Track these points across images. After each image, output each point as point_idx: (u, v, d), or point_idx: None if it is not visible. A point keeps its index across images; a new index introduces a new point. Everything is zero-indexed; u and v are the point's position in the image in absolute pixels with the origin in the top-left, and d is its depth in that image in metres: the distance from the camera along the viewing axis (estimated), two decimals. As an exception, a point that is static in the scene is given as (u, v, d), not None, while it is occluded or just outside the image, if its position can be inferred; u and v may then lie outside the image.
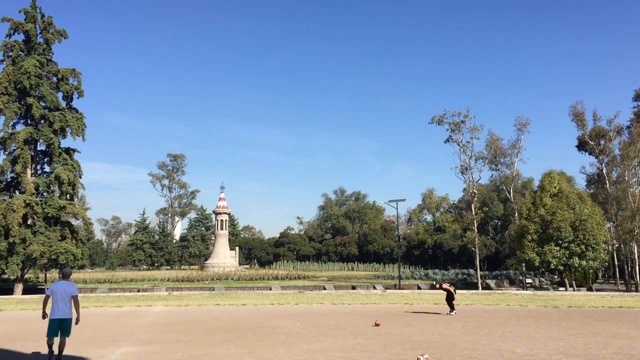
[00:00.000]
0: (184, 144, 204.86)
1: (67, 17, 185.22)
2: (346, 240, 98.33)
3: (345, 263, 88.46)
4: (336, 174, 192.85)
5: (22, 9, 39.05)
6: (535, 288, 48.46)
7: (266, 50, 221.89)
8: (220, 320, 16.98)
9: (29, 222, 36.99)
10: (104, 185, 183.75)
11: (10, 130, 37.40)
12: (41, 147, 39.15)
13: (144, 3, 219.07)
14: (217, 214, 70.85)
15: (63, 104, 39.52)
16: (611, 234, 52.04)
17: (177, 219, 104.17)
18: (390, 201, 47.64)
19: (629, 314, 18.80)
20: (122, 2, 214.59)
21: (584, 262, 37.92)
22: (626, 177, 48.51)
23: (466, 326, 15.18)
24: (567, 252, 37.81)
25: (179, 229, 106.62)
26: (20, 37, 39.19)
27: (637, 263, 46.78)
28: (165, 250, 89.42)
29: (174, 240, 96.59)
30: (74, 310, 10.06)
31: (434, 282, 20.72)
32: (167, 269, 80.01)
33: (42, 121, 38.19)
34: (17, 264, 34.82)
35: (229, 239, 75.89)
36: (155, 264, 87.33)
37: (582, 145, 53.17)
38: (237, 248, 75.00)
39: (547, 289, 46.64)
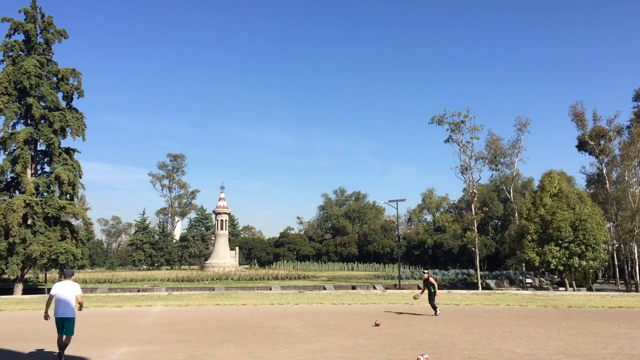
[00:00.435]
0: (184, 144, 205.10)
1: (67, 17, 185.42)
2: (346, 240, 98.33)
3: (345, 263, 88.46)
4: (336, 174, 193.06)
5: (22, 9, 39.07)
6: (535, 288, 48.47)
7: (266, 50, 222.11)
8: (220, 320, 16.98)
9: (29, 222, 37.00)
10: (104, 185, 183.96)
11: (10, 130, 37.41)
12: (41, 147, 39.17)
13: (143, 3, 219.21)
14: (217, 214, 70.85)
15: (63, 104, 39.53)
16: (611, 234, 52.03)
17: (177, 219, 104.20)
18: (390, 201, 47.65)
19: (629, 314, 18.79)
20: (122, 2, 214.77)
21: (584, 262, 37.91)
22: (626, 177, 48.51)
23: (466, 326, 15.18)
24: (567, 252, 37.80)
25: (179, 229, 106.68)
26: (20, 37, 39.24)
27: (637, 263, 46.78)
28: (165, 250, 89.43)
29: (174, 240, 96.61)
30: (78, 305, 10.26)
31: (424, 272, 19.49)
32: (167, 269, 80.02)
33: (42, 121, 38.19)
34: (17, 264, 34.83)
35: (229, 239, 75.88)
36: (155, 264, 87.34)
37: (582, 145, 53.18)
38: (237, 248, 75.00)
39: (547, 289, 46.65)
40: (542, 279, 55.72)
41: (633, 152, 46.41)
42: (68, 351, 11.32)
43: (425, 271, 19.63)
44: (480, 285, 45.55)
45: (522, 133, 50.88)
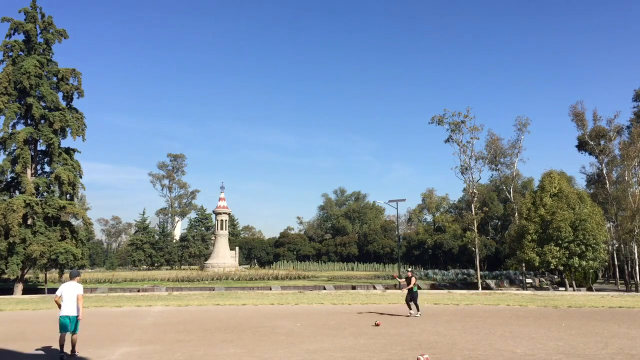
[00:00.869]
0: (184, 144, 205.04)
1: (67, 17, 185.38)
2: (346, 240, 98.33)
3: (345, 263, 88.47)
4: (336, 174, 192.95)
5: (22, 9, 39.05)
6: (535, 288, 48.48)
7: (266, 50, 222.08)
8: (220, 320, 16.98)
9: (29, 222, 36.99)
10: (104, 185, 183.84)
11: (10, 130, 37.39)
12: (41, 147, 39.15)
13: (144, 3, 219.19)
14: (217, 214, 70.85)
15: (63, 104, 39.51)
16: (611, 234, 52.03)
17: (177, 219, 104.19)
18: (390, 201, 47.70)
19: (629, 314, 18.79)
20: (123, 2, 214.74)
21: (584, 262, 37.89)
22: (626, 177, 48.51)
23: (466, 326, 15.18)
24: (567, 252, 37.78)
25: (179, 229, 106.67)
26: (20, 37, 39.22)
27: (637, 263, 46.78)
28: (165, 250, 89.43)
29: (174, 240, 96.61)
30: (79, 305, 10.87)
31: (408, 269, 19.48)
32: (167, 269, 80.00)
33: (42, 121, 38.18)
34: (17, 264, 34.82)
35: (229, 239, 75.87)
36: (155, 264, 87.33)
37: (582, 145, 53.18)
38: (237, 248, 74.99)
39: (547, 289, 46.66)
40: (542, 279, 55.71)
41: (633, 152, 46.41)
42: (67, 350, 11.34)
43: (409, 269, 19.29)
44: (480, 285, 45.55)
45: (522, 133, 50.89)
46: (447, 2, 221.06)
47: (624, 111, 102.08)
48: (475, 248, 47.16)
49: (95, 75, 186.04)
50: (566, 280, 43.88)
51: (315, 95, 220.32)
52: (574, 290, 40.77)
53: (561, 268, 39.89)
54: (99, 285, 42.93)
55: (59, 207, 36.74)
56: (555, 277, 54.90)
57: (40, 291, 38.14)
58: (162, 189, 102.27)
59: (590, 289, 45.42)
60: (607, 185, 50.41)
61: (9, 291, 36.35)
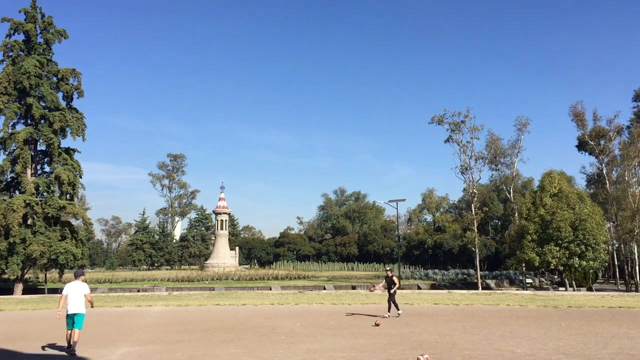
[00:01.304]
0: (184, 144, 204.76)
1: (67, 17, 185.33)
2: (346, 240, 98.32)
3: (345, 263, 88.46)
4: (336, 174, 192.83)
5: (22, 9, 39.07)
6: (535, 288, 48.49)
7: (267, 51, 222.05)
8: (220, 320, 16.98)
9: (29, 222, 37.00)
10: (104, 185, 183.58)
11: (10, 130, 37.41)
12: (41, 147, 39.17)
13: (144, 3, 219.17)
14: (217, 214, 70.86)
15: (63, 104, 39.53)
16: (611, 234, 52.02)
17: (177, 219, 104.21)
18: (390, 201, 47.65)
19: (629, 314, 18.79)
20: (123, 2, 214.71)
21: (584, 262, 37.88)
22: (626, 177, 48.50)
23: (466, 326, 15.18)
24: (567, 252, 37.78)
25: (179, 229, 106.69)
26: (20, 37, 39.24)
27: (637, 263, 46.77)
28: (165, 250, 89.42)
29: (174, 240, 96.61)
30: (86, 304, 11.51)
31: (387, 269, 18.70)
32: (167, 269, 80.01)
33: (42, 121, 38.19)
34: (17, 264, 34.83)
35: (229, 239, 75.89)
36: (155, 264, 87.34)
37: (582, 145, 53.18)
38: (237, 248, 75.00)
39: (547, 289, 46.67)
40: (542, 279, 55.72)
41: (633, 152, 46.41)
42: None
43: (388, 268, 19.07)
44: (480, 285, 45.56)
45: (522, 133, 50.92)
46: (447, 2, 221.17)
47: (624, 111, 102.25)
48: (475, 248, 47.16)
49: (95, 75, 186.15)
50: (566, 280, 43.88)
51: (315, 95, 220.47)
52: (574, 290, 40.76)
53: (561, 268, 39.89)
54: (99, 285, 42.93)
55: (59, 207, 36.74)
56: (555, 277, 54.90)
57: (40, 291, 38.14)
58: (162, 189, 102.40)
59: (590, 289, 45.42)
60: (607, 185, 50.41)
61: (9, 291, 36.35)
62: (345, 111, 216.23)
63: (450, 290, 34.52)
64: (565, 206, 38.79)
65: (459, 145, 46.64)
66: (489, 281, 51.15)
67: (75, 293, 11.33)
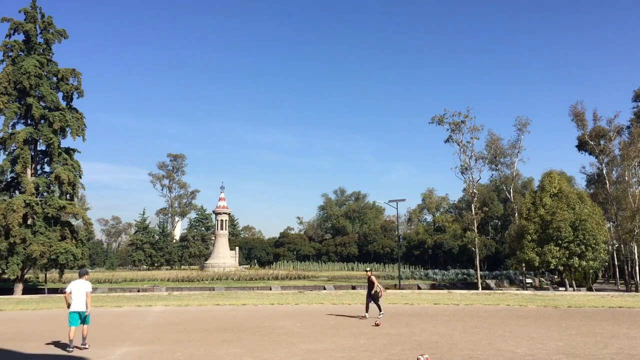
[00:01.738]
0: (184, 144, 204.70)
1: (67, 17, 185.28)
2: (346, 240, 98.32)
3: (345, 263, 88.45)
4: (336, 174, 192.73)
5: (22, 9, 39.08)
6: (535, 288, 48.50)
7: (267, 50, 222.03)
8: (220, 320, 16.98)
9: (29, 222, 37.00)
10: (104, 185, 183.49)
11: (10, 130, 37.43)
12: (41, 147, 39.19)
13: (144, 3, 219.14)
14: (217, 214, 70.87)
15: (63, 104, 39.55)
16: (611, 234, 52.02)
17: (177, 219, 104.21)
18: (390, 201, 47.66)
19: (629, 314, 18.79)
20: (122, 2, 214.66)
21: (583, 262, 37.88)
22: (626, 177, 48.49)
23: (466, 326, 15.18)
24: (567, 252, 37.78)
25: (179, 229, 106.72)
26: (20, 37, 39.26)
27: (637, 263, 46.77)
28: (165, 250, 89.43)
29: (174, 240, 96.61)
30: (88, 302, 11.89)
31: (367, 269, 18.01)
32: (167, 269, 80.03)
33: (42, 121, 38.21)
34: (17, 264, 34.84)
35: (229, 239, 75.91)
36: (155, 264, 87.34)
37: (582, 145, 53.17)
38: (237, 248, 75.01)
39: (547, 289, 46.67)
40: (542, 279, 55.72)
41: (633, 152, 46.40)
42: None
43: (368, 268, 18.45)
44: (480, 285, 45.56)
45: (522, 133, 50.88)
46: (448, 1, 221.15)
47: (624, 111, 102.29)
48: (475, 248, 47.16)
49: (95, 75, 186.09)
50: (566, 280, 43.88)
51: (315, 95, 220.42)
52: (574, 290, 40.76)
53: (561, 268, 39.88)
54: (99, 285, 42.92)
55: (59, 207, 36.75)
56: (555, 277, 54.90)
57: (40, 291, 38.15)
58: (162, 189, 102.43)
59: (590, 289, 45.42)
60: (607, 185, 50.40)
61: (9, 291, 36.35)
62: (345, 111, 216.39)
63: (450, 290, 34.52)
64: (565, 206, 38.79)
65: (459, 145, 46.69)
66: (489, 281, 51.15)
67: (79, 291, 11.84)
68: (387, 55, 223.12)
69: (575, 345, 11.75)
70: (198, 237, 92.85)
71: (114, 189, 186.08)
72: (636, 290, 44.93)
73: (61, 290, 39.19)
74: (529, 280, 51.31)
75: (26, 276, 39.04)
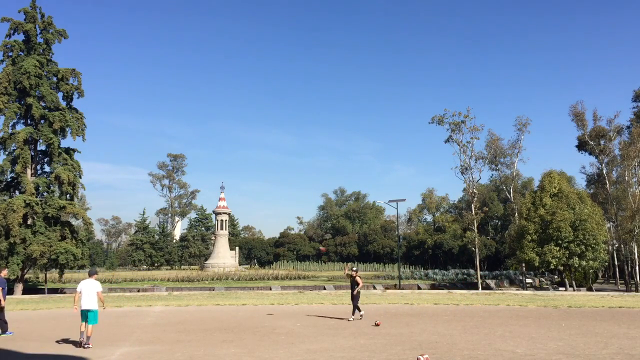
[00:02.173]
0: (184, 144, 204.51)
1: (67, 17, 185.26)
2: (346, 240, 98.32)
3: (345, 263, 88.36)
4: (336, 174, 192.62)
5: (22, 9, 39.06)
6: (535, 288, 48.49)
7: (267, 50, 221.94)
8: (220, 320, 16.99)
9: (29, 222, 37.01)
10: (104, 185, 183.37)
11: (10, 130, 37.43)
12: (41, 147, 39.19)
13: (144, 3, 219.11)
14: (217, 214, 70.87)
15: (63, 104, 39.55)
16: (611, 234, 52.00)
17: (177, 219, 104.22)
18: (390, 201, 47.67)
19: (629, 314, 18.80)
20: (123, 2, 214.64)
21: (583, 262, 37.88)
22: (626, 177, 48.48)
23: (466, 326, 15.18)
24: (567, 252, 37.77)
25: (179, 229, 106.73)
26: (20, 37, 39.24)
27: (637, 263, 46.77)
28: (165, 250, 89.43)
29: (174, 240, 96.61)
30: (98, 302, 12.32)
31: (353, 269, 17.17)
32: (167, 269, 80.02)
33: (42, 121, 38.20)
34: (17, 264, 34.84)
35: (229, 239, 75.90)
36: (155, 264, 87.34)
37: (582, 145, 53.16)
38: (237, 248, 75.00)
39: (547, 289, 46.66)
40: (542, 279, 55.72)
41: (633, 152, 46.39)
42: (67, 351, 11.37)
43: (354, 268, 17.72)
44: (480, 285, 45.56)
45: (522, 133, 50.86)
46: (447, 1, 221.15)
47: (624, 111, 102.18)
48: (475, 248, 47.16)
49: (95, 75, 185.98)
50: (566, 280, 43.87)
51: (315, 95, 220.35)
52: (574, 290, 40.76)
53: (561, 268, 39.87)
54: (99, 285, 42.90)
55: (59, 207, 36.75)
56: (555, 277, 54.89)
57: (40, 291, 38.15)
58: (162, 189, 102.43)
59: (590, 289, 45.41)
60: (607, 185, 50.39)
61: (9, 291, 36.24)
62: (345, 111, 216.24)
63: (450, 290, 34.52)
64: (565, 206, 38.79)
65: (459, 145, 46.69)
66: (489, 281, 51.15)
67: (88, 290, 12.16)
68: (387, 55, 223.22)
69: (575, 345, 11.76)
70: (198, 237, 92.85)
71: (114, 189, 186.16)
72: (636, 290, 44.92)
73: (61, 290, 39.23)
74: (529, 280, 51.31)
75: (26, 276, 39.04)
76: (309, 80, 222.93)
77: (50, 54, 39.95)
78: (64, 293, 36.97)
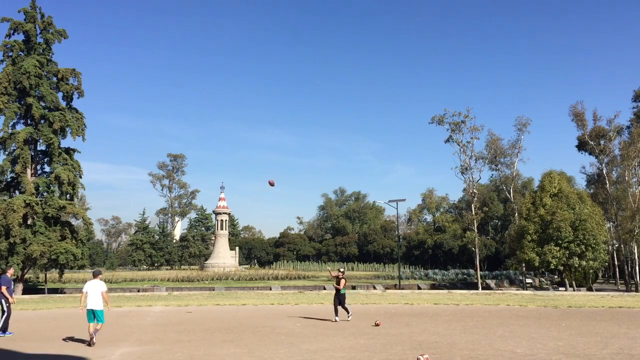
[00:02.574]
0: (184, 144, 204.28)
1: (67, 17, 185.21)
2: (346, 240, 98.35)
3: (345, 263, 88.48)
4: (336, 174, 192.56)
5: (22, 9, 39.04)
6: (535, 288, 48.49)
7: (267, 51, 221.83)
8: (220, 320, 16.99)
9: (29, 222, 37.01)
10: (104, 185, 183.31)
11: (10, 130, 37.41)
12: (41, 147, 39.18)
13: (144, 3, 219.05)
14: (217, 214, 70.88)
15: (63, 104, 39.54)
16: (611, 234, 51.99)
17: (177, 219, 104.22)
18: (390, 201, 47.68)
19: (629, 314, 18.80)
20: (123, 2, 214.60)
21: (583, 262, 37.88)
22: (626, 177, 48.48)
23: (466, 326, 15.18)
24: (567, 252, 37.77)
25: (179, 229, 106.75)
26: (20, 37, 39.21)
27: (637, 263, 46.77)
28: (165, 250, 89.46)
29: (174, 240, 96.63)
30: (104, 302, 12.70)
31: (340, 269, 16.91)
32: (167, 269, 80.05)
33: (42, 121, 38.19)
34: (17, 264, 34.84)
35: (229, 239, 75.91)
36: (155, 264, 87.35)
37: (582, 145, 53.15)
38: (237, 248, 75.01)
39: (547, 289, 46.66)
40: (542, 279, 55.71)
41: (633, 152, 46.38)
42: (67, 351, 11.38)
43: (341, 269, 17.42)
44: (480, 285, 45.56)
45: (522, 133, 50.85)
46: (447, 2, 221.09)
47: (624, 111, 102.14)
48: (475, 248, 47.16)
49: (95, 75, 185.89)
50: (566, 280, 43.86)
51: (315, 95, 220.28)
52: (574, 290, 40.76)
53: (561, 268, 39.86)
54: (99, 285, 42.91)
55: (59, 207, 36.74)
56: (555, 277, 54.88)
57: (40, 291, 38.15)
58: (162, 189, 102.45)
59: (590, 289, 45.41)
60: (607, 185, 50.37)
61: (9, 291, 36.34)
62: (345, 111, 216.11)
63: (450, 290, 34.53)
64: (565, 206, 38.78)
65: (459, 145, 46.69)
66: (489, 281, 51.16)
67: (94, 290, 12.53)
68: (387, 55, 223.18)
69: (575, 345, 11.75)
70: (198, 237, 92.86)
71: (114, 189, 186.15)
72: (636, 290, 44.92)
73: (61, 290, 39.23)
74: (529, 280, 51.30)
75: (26, 276, 39.04)
76: (309, 81, 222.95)
77: (50, 54, 39.94)
78: (64, 293, 36.99)
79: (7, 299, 14.14)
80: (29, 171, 37.79)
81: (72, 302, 25.12)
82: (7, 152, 37.47)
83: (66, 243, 36.51)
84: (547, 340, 12.50)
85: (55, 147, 37.95)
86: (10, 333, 14.08)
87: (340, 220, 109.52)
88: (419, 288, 43.84)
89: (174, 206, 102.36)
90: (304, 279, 52.14)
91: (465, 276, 54.46)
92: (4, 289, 14.24)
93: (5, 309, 14.07)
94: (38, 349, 11.87)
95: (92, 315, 12.35)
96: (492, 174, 58.20)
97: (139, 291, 36.94)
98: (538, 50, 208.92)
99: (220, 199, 70.69)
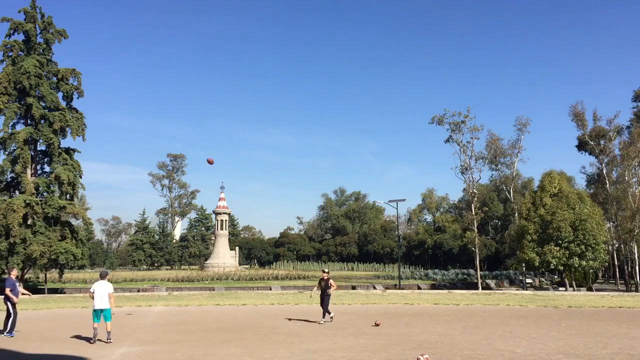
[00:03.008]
0: (184, 144, 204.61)
1: (67, 17, 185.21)
2: (346, 240, 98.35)
3: (345, 263, 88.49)
4: (336, 174, 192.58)
5: (22, 9, 39.02)
6: (535, 288, 48.49)
7: (267, 51, 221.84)
8: (220, 320, 16.99)
9: (29, 222, 37.00)
10: (104, 185, 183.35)
11: (10, 130, 37.38)
12: (41, 147, 39.16)
13: (144, 3, 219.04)
14: (217, 214, 70.87)
15: (63, 104, 39.52)
16: (611, 234, 51.99)
17: (177, 219, 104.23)
18: (390, 201, 47.70)
19: (629, 314, 18.80)
20: (123, 2, 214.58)
21: (583, 262, 37.88)
22: (626, 177, 48.48)
23: (466, 326, 15.19)
24: (567, 252, 37.77)
25: (179, 229, 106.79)
26: (20, 37, 39.19)
27: (637, 263, 46.77)
28: (165, 250, 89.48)
29: (174, 240, 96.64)
30: (111, 302, 12.96)
31: (324, 270, 16.90)
32: (167, 269, 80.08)
33: (42, 121, 38.18)
34: (17, 264, 34.81)
35: (229, 239, 75.90)
36: (155, 264, 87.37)
37: (582, 145, 53.15)
38: (237, 248, 75.02)
39: (547, 289, 46.66)
40: (542, 279, 55.71)
41: (633, 152, 46.38)
42: (67, 351, 11.38)
43: (326, 270, 17.30)
44: (480, 285, 45.55)
45: (522, 133, 50.86)
46: (447, 1, 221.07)
47: (624, 111, 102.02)
48: (475, 248, 47.15)
49: (95, 75, 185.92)
50: (566, 280, 43.87)
51: (315, 95, 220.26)
52: (574, 290, 40.76)
53: (561, 268, 39.85)
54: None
55: (59, 207, 36.74)
56: (555, 277, 54.88)
57: (40, 291, 38.09)
58: (162, 189, 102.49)
59: (590, 289, 45.40)
60: (607, 185, 50.37)
61: (9, 291, 36.33)
62: (345, 111, 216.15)
63: (450, 290, 34.53)
64: (565, 206, 38.79)
65: (459, 145, 46.68)
66: (489, 281, 51.16)
67: (101, 291, 12.82)
68: (387, 55, 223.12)
69: (575, 345, 11.76)
70: (198, 237, 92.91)
71: (114, 189, 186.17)
72: (636, 290, 44.92)
73: (61, 290, 39.21)
74: (529, 280, 51.30)
75: (26, 276, 39.01)
76: (309, 81, 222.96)
77: (50, 54, 39.92)
78: (64, 293, 36.97)
79: (12, 300, 14.13)
80: (29, 171, 37.78)
81: (72, 302, 25.12)
82: (7, 152, 37.45)
83: (66, 243, 36.49)
84: (547, 340, 12.50)
85: (55, 147, 37.94)
86: (12, 335, 14.09)
87: (340, 220, 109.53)
88: (419, 288, 43.83)
89: (174, 206, 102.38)
90: (304, 279, 52.12)
91: (465, 276, 54.45)
92: (8, 290, 14.24)
93: (11, 311, 14.06)
94: (38, 349, 11.87)
95: (99, 314, 12.71)
96: (492, 174, 58.27)
97: (139, 291, 36.93)
98: (538, 50, 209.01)
99: (220, 199, 70.68)
